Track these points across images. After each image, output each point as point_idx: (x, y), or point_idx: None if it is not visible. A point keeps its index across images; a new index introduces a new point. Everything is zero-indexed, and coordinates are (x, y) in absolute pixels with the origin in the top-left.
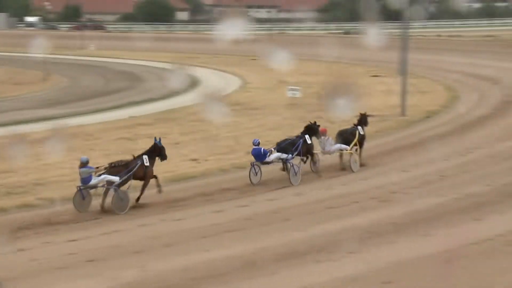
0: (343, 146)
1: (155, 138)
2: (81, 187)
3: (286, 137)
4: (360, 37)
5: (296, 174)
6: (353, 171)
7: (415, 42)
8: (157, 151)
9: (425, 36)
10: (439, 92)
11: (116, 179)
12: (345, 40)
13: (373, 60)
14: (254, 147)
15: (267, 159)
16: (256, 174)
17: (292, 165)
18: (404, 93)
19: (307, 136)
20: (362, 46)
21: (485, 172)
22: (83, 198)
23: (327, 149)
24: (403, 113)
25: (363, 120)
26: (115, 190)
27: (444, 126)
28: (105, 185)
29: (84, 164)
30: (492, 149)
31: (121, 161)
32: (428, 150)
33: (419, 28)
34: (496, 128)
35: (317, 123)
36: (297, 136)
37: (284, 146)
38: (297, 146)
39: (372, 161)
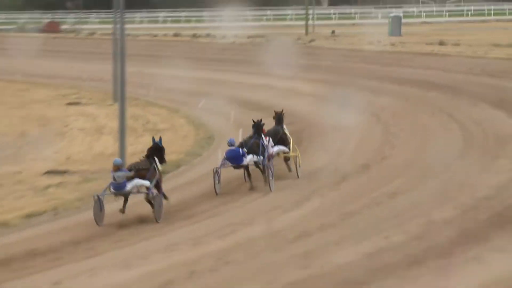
0: (282, 147)
1: (153, 138)
2: (100, 195)
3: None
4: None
5: (273, 177)
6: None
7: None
8: (157, 153)
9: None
10: (182, 129)
11: (147, 183)
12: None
13: (67, 77)
14: (230, 148)
15: (244, 162)
16: (219, 182)
17: (270, 168)
18: (123, 133)
19: (263, 136)
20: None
21: (259, 266)
22: (101, 209)
23: (270, 151)
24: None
25: (281, 118)
26: (157, 196)
27: (193, 186)
28: (139, 191)
29: (118, 167)
30: (270, 225)
31: (138, 163)
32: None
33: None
34: (273, 195)
35: (262, 121)
36: (250, 137)
37: (251, 146)
38: (263, 148)
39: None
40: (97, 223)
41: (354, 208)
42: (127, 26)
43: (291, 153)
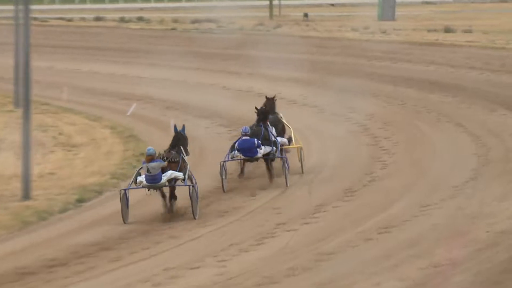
0: (283, 139)
1: (175, 126)
2: (126, 189)
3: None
4: None
5: (288, 170)
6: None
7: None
8: (181, 143)
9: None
10: (106, 142)
11: (181, 175)
12: None
13: None
14: (244, 137)
15: (258, 154)
16: (226, 177)
17: (286, 161)
18: (27, 149)
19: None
20: None
21: None
22: (127, 205)
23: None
24: (26, 194)
25: (273, 106)
26: (193, 190)
27: (120, 218)
28: (174, 183)
29: (152, 157)
30: (223, 269)
31: (168, 154)
32: None
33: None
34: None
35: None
36: (257, 126)
37: (263, 136)
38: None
39: None
40: (124, 221)
41: (333, 246)
42: (34, 7)
43: (293, 144)
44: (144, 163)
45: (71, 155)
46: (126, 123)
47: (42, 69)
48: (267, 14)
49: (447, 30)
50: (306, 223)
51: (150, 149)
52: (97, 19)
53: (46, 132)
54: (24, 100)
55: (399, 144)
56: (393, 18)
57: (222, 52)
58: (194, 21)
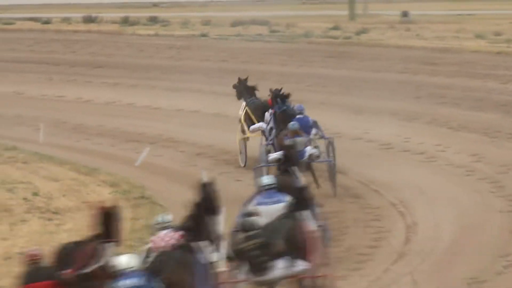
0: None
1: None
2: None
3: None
4: None
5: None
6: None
7: None
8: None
9: None
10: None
11: (317, 151)
12: None
13: None
14: (299, 116)
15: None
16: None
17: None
18: None
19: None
20: None
21: None
22: None
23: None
24: None
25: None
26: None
27: None
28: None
29: (296, 132)
30: None
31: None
32: None
33: None
34: None
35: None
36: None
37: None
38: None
39: None
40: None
41: None
42: None
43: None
44: (286, 138)
45: (52, 226)
46: (134, 178)
47: (6, 95)
48: (346, 12)
49: None
50: None
51: (294, 124)
52: (88, 20)
53: (13, 192)
54: None
55: None
56: None
57: (277, 70)
58: (235, 23)
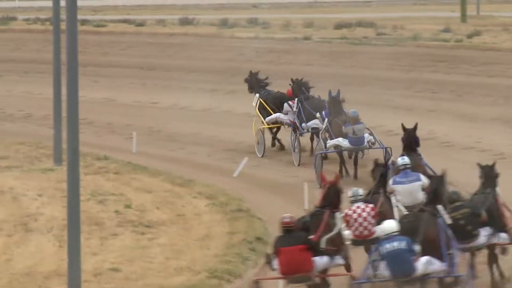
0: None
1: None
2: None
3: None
4: None
5: None
6: None
7: None
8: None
9: None
10: (201, 221)
11: (372, 138)
12: None
13: None
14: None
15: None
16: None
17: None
18: (76, 231)
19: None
20: None
21: None
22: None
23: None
24: None
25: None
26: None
27: None
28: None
29: (357, 119)
30: None
31: None
32: None
33: None
34: None
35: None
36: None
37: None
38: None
39: None
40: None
41: None
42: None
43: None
44: (347, 125)
45: (145, 240)
46: (231, 190)
47: (98, 102)
48: (458, 14)
49: None
50: None
51: (355, 111)
52: (184, 22)
53: (105, 204)
54: (69, 153)
55: None
56: None
57: (383, 76)
58: (340, 26)
